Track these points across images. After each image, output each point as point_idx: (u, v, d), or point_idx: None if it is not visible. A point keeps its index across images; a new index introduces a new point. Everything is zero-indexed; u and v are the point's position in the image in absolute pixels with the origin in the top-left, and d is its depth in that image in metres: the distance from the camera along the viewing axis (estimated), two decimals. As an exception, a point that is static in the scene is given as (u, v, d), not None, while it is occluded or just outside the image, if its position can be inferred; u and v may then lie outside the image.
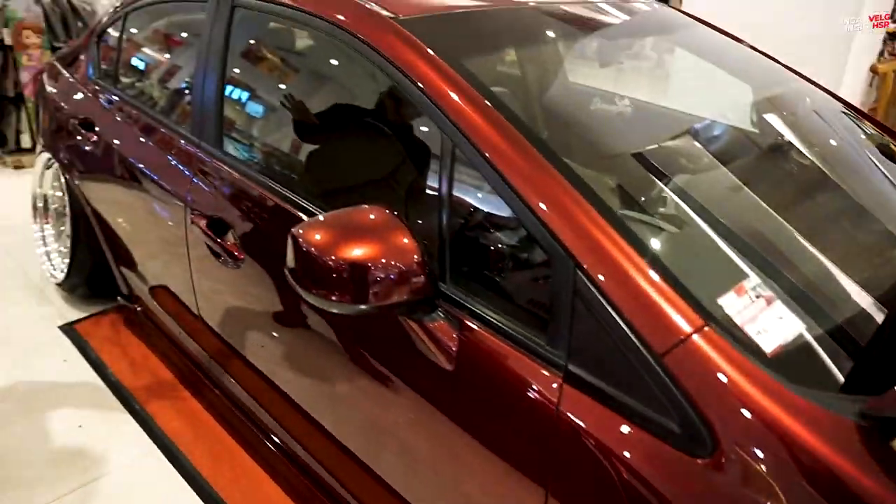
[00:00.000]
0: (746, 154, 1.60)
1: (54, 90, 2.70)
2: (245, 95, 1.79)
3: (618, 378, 0.98)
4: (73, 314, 2.69)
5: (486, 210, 1.22)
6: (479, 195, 1.22)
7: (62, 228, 2.80)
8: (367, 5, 1.43)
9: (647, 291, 0.97)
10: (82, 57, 2.63)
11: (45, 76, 2.87)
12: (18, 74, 4.20)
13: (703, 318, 0.96)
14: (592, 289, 0.99)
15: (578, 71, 1.66)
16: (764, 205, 1.32)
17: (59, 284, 2.75)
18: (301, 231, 1.10)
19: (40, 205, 2.86)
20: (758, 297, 1.04)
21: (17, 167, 4.30)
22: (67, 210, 2.56)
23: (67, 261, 2.66)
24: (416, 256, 1.09)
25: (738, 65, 1.89)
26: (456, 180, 1.20)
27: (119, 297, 2.60)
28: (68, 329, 2.59)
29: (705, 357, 0.92)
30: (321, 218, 1.13)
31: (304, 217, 1.44)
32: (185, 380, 2.29)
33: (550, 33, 1.60)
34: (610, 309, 0.98)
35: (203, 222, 1.70)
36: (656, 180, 1.27)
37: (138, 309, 2.49)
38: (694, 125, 1.57)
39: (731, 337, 0.95)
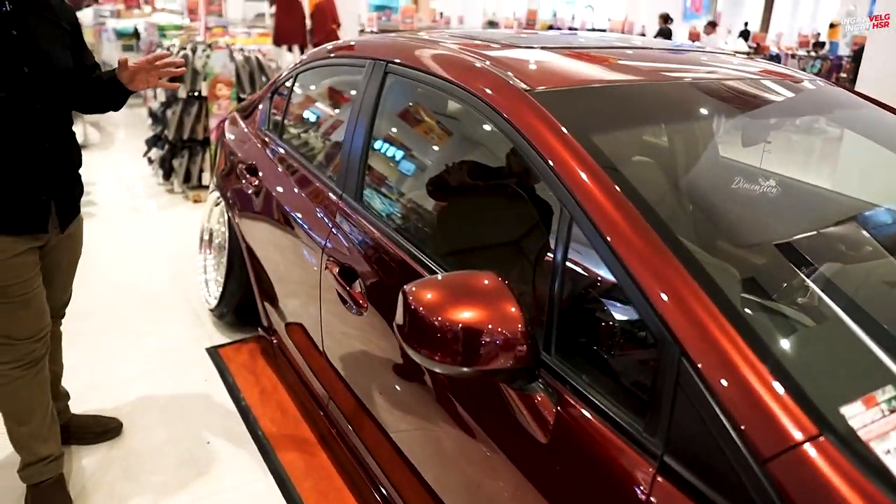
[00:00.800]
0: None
1: (231, 137, 3.04)
2: (387, 154, 1.92)
3: (715, 478, 0.91)
4: (220, 339, 2.95)
5: (597, 285, 1.21)
6: (592, 270, 1.21)
7: (222, 260, 3.11)
8: (505, 77, 1.50)
9: (756, 389, 0.91)
10: (258, 109, 2.95)
11: (226, 124, 3.25)
12: (208, 121, 4.77)
13: (818, 427, 0.88)
14: (696, 379, 0.95)
15: (721, 151, 1.61)
16: None
17: (211, 310, 3.03)
18: (412, 289, 1.15)
19: (206, 237, 3.19)
20: (892, 411, 0.94)
21: (196, 201, 4.85)
22: (227, 244, 2.84)
23: (220, 290, 2.94)
24: (520, 326, 1.10)
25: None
26: (571, 252, 1.20)
27: (259, 329, 2.81)
28: (213, 352, 2.84)
29: (816, 470, 0.84)
30: (432, 278, 1.18)
31: (426, 274, 1.50)
32: (306, 415, 2.41)
33: (692, 110, 1.57)
34: (713, 403, 0.92)
35: (336, 269, 1.82)
36: (787, 267, 1.19)
37: (274, 341, 2.68)
38: (852, 213, 1.46)
39: (850, 452, 0.86)
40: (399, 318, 1.17)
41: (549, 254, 1.30)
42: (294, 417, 2.43)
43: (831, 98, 1.83)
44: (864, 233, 1.40)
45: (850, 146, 1.74)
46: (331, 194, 2.01)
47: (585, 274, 1.22)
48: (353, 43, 2.32)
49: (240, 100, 4.82)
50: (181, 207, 4.82)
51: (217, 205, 3.09)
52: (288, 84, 2.69)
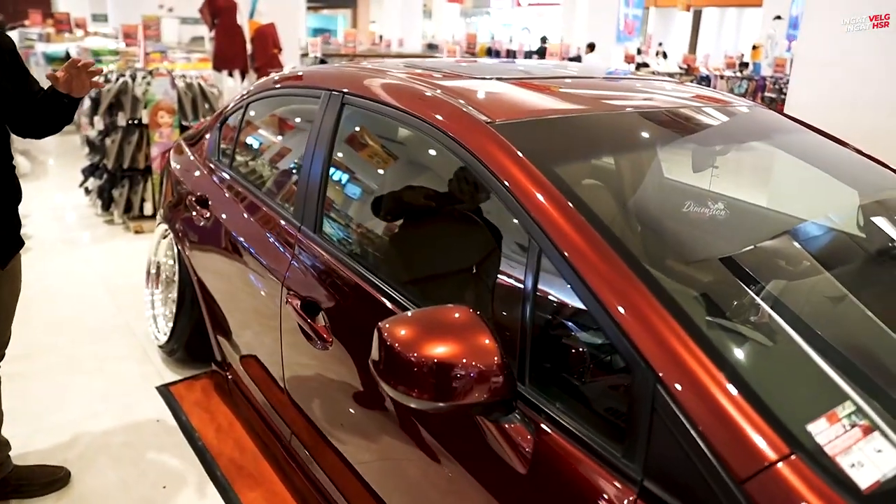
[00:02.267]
0: (849, 260, 1.54)
1: (178, 167, 2.97)
2: (346, 185, 1.91)
3: (695, 500, 0.94)
4: (170, 375, 2.85)
5: (567, 314, 1.23)
6: (562, 298, 1.23)
7: (170, 295, 3.01)
8: (464, 109, 1.52)
9: (729, 412, 0.95)
10: (206, 138, 2.90)
11: (172, 154, 3.18)
12: (150, 149, 4.65)
13: (789, 446, 0.91)
14: (672, 405, 0.97)
15: (671, 174, 1.67)
16: (871, 315, 1.26)
17: (161, 346, 2.93)
18: (387, 325, 1.14)
19: (153, 271, 3.09)
20: (853, 426, 0.99)
21: (138, 232, 4.70)
22: (177, 278, 2.76)
23: (171, 325, 2.85)
24: (496, 358, 1.11)
25: (843, 168, 1.84)
26: (540, 282, 1.22)
27: (213, 364, 2.74)
28: (164, 390, 2.74)
29: (791, 488, 0.88)
30: (407, 314, 1.18)
31: (392, 306, 1.50)
32: (265, 451, 2.35)
33: (641, 137, 1.63)
34: (689, 428, 0.95)
35: (297, 303, 1.80)
36: (746, 288, 1.24)
37: (229, 377, 2.61)
38: (793, 227, 1.53)
39: (820, 468, 0.90)
40: (374, 354, 1.16)
41: (515, 283, 1.32)
42: (252, 454, 2.37)
43: (766, 122, 1.93)
44: (796, 247, 1.47)
45: (784, 167, 1.83)
46: (288, 226, 1.99)
47: (555, 303, 1.25)
48: (307, 73, 2.31)
49: (182, 127, 4.72)
50: (121, 238, 4.66)
51: (165, 237, 3.01)
52: (238, 113, 2.65)
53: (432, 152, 1.75)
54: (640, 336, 1.04)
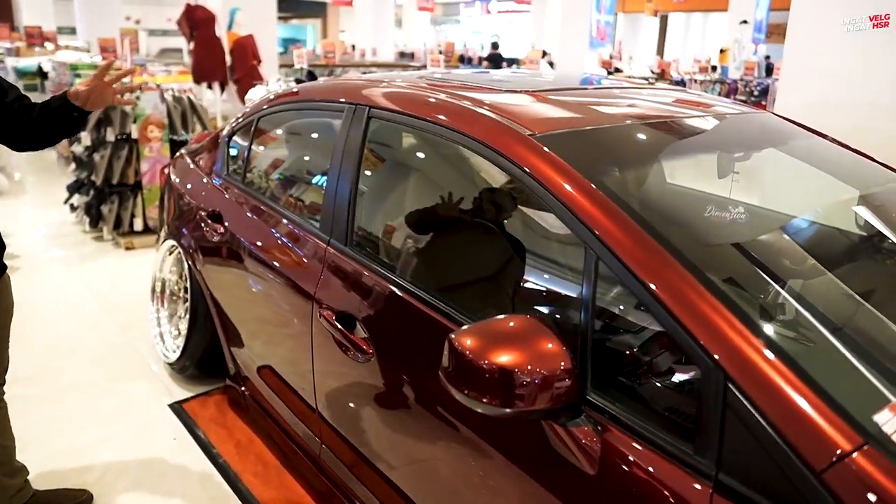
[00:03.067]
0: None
1: (182, 183, 2.96)
2: (378, 197, 1.93)
3: (772, 491, 0.99)
4: (181, 393, 2.83)
5: (628, 318, 1.28)
6: (621, 304, 1.27)
7: (177, 312, 2.99)
8: (503, 122, 1.56)
9: (801, 407, 0.99)
10: (211, 154, 2.89)
11: (173, 168, 3.16)
12: (139, 164, 4.60)
13: (861, 436, 0.96)
14: (744, 402, 1.02)
15: (712, 180, 1.73)
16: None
17: (170, 364, 2.91)
18: (456, 336, 1.18)
19: (159, 288, 3.07)
20: (913, 416, 1.04)
21: (129, 248, 4.64)
22: (189, 295, 2.75)
23: (180, 342, 2.82)
24: (563, 363, 1.15)
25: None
26: (599, 288, 1.26)
27: (227, 379, 2.72)
28: (177, 407, 2.72)
29: (868, 476, 0.93)
30: (475, 324, 1.21)
31: (436, 316, 1.52)
32: (289, 465, 2.35)
33: (677, 147, 1.69)
34: (763, 423, 1.00)
35: (331, 315, 1.81)
36: (799, 287, 1.30)
37: (245, 391, 2.60)
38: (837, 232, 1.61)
39: (892, 456, 0.95)
40: (444, 362, 1.19)
41: (573, 292, 1.36)
42: (276, 469, 2.36)
43: (779, 128, 2.01)
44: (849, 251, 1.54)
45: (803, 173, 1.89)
46: (316, 240, 2.00)
47: (615, 308, 1.29)
48: (325, 87, 2.33)
49: (172, 142, 4.68)
50: (112, 255, 4.60)
51: (171, 253, 2.99)
52: (248, 128, 2.65)
53: (468, 165, 1.79)
54: (708, 337, 1.08)
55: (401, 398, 1.63)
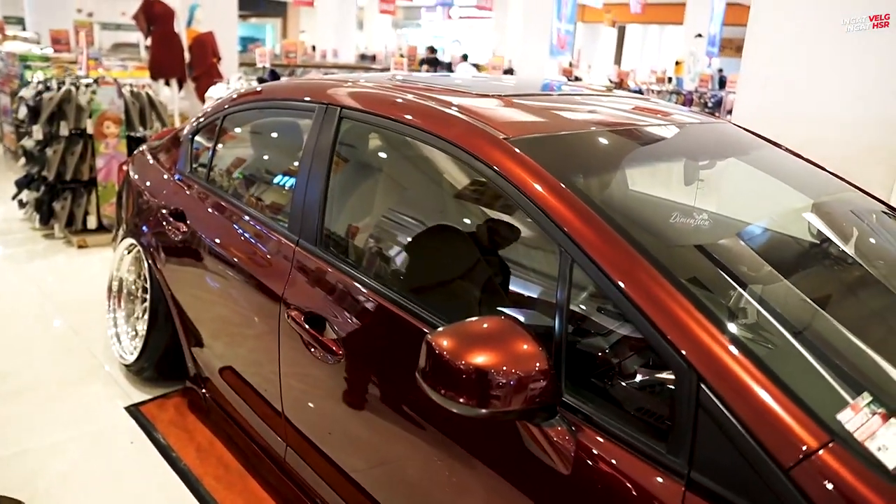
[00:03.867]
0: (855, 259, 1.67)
1: (142, 180, 2.88)
2: (349, 197, 1.92)
3: (743, 488, 1.02)
4: (139, 395, 2.75)
5: (601, 320, 1.30)
6: (594, 306, 1.30)
7: (135, 312, 2.91)
8: (478, 125, 1.57)
9: (770, 407, 1.03)
10: (173, 151, 2.83)
11: (132, 165, 3.08)
12: (94, 161, 4.46)
13: (827, 434, 1.00)
14: (718, 403, 1.05)
15: (682, 185, 1.77)
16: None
17: (127, 366, 2.82)
18: (433, 336, 1.18)
19: (115, 288, 2.98)
20: (874, 414, 1.09)
21: (82, 246, 4.50)
22: (148, 295, 2.68)
23: (138, 343, 2.75)
24: (538, 364, 1.16)
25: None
26: (573, 289, 1.28)
27: (187, 381, 2.66)
28: (134, 410, 2.65)
29: (835, 472, 0.96)
30: (452, 325, 1.22)
31: (407, 317, 1.52)
32: (252, 468, 2.31)
33: (646, 153, 1.73)
34: (736, 422, 1.03)
35: (299, 316, 1.79)
36: (767, 288, 1.35)
37: (206, 393, 2.54)
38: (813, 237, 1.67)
39: (854, 453, 0.99)
40: (422, 362, 1.19)
41: (546, 293, 1.37)
42: (239, 472, 2.32)
43: (739, 138, 2.07)
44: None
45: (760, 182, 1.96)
46: (284, 240, 1.97)
47: (587, 310, 1.31)
48: (294, 86, 2.30)
49: (129, 138, 4.56)
50: (64, 254, 4.45)
51: (129, 252, 2.91)
52: (213, 125, 2.60)
53: (441, 167, 1.79)
54: (681, 339, 1.11)
55: (371, 400, 1.62)
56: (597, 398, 1.23)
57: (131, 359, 2.79)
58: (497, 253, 1.65)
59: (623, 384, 1.28)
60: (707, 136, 2.00)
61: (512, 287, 1.60)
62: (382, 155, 2.04)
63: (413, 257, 1.77)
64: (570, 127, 1.69)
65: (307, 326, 1.76)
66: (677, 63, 16.43)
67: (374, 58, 17.41)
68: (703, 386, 1.07)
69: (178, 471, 2.31)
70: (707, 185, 1.80)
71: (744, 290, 1.36)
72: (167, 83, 7.81)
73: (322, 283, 1.80)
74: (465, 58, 11.66)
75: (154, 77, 7.39)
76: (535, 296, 1.47)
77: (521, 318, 1.32)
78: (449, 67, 13.02)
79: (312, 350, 1.75)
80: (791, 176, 1.98)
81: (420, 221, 1.84)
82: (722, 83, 12.95)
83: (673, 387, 1.11)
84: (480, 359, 1.15)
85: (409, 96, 1.83)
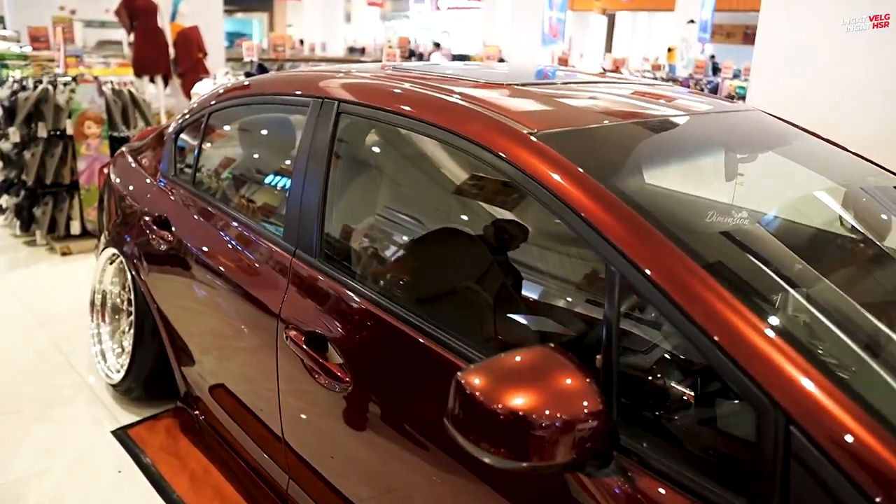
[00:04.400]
0: None
1: (124, 184, 2.68)
2: (352, 203, 1.73)
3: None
4: (126, 417, 2.56)
5: (661, 347, 1.11)
6: (652, 330, 1.11)
7: (120, 327, 2.71)
8: (498, 119, 1.38)
9: (880, 452, 0.85)
10: (155, 153, 2.62)
11: (113, 168, 2.87)
12: (76, 163, 4.24)
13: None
14: (814, 450, 0.87)
15: (718, 186, 1.58)
16: None
17: (113, 386, 2.62)
18: (463, 375, 1.00)
19: (98, 301, 2.78)
20: None
21: (65, 254, 4.28)
22: (133, 308, 2.48)
23: (125, 361, 2.55)
24: (587, 403, 0.97)
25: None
26: (623, 309, 1.10)
27: (178, 402, 2.47)
28: (122, 434, 2.45)
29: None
30: (486, 361, 1.03)
31: (425, 340, 1.34)
32: (251, 499, 2.12)
33: (686, 146, 1.54)
34: (840, 475, 0.85)
35: (298, 336, 1.60)
36: (857, 312, 1.16)
37: (199, 415, 2.35)
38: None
39: None
40: (451, 404, 1.00)
41: (590, 314, 1.19)
42: (236, 502, 2.13)
43: (775, 126, 1.88)
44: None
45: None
46: (279, 250, 1.78)
47: (644, 336, 1.12)
48: (284, 79, 2.11)
49: (112, 138, 4.34)
50: (47, 262, 4.23)
51: (112, 263, 2.70)
52: (197, 124, 2.40)
53: (455, 168, 1.60)
54: (765, 372, 0.92)
55: (386, 435, 1.43)
56: (659, 440, 1.05)
57: (118, 378, 2.59)
58: (535, 266, 1.46)
59: (691, 423, 1.09)
60: (742, 124, 1.81)
61: (555, 306, 1.41)
62: (387, 154, 1.84)
63: (427, 272, 1.58)
64: (599, 119, 1.50)
65: (308, 349, 1.57)
66: (669, 50, 16.22)
67: (363, 50, 17.13)
68: (793, 429, 0.89)
69: (170, 503, 2.12)
70: (755, 182, 1.61)
71: (835, 313, 1.17)
72: (152, 80, 7.56)
73: (323, 299, 1.61)
74: (437, 46, 11.34)
75: (138, 74, 7.13)
76: (582, 316, 1.28)
77: (566, 346, 1.14)
78: (420, 58, 12.76)
79: (315, 376, 1.56)
80: (837, 168, 1.80)
81: (432, 230, 1.65)
82: (715, 69, 12.78)
83: (754, 428, 0.93)
84: (518, 400, 0.96)
85: (412, 87, 1.64)
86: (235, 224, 2.00)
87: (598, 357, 1.09)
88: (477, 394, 0.97)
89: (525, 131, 1.32)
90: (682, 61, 15.85)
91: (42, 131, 4.12)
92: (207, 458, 2.32)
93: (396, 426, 1.41)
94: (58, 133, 4.19)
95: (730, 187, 1.56)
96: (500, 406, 0.96)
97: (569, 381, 1.00)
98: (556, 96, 1.69)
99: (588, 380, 0.99)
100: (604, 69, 12.54)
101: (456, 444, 1.02)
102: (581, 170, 1.20)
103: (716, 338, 0.96)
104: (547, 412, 0.96)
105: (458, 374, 1.00)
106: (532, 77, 2.08)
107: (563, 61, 10.17)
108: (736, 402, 0.98)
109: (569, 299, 1.40)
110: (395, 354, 1.43)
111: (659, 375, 1.13)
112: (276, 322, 1.70)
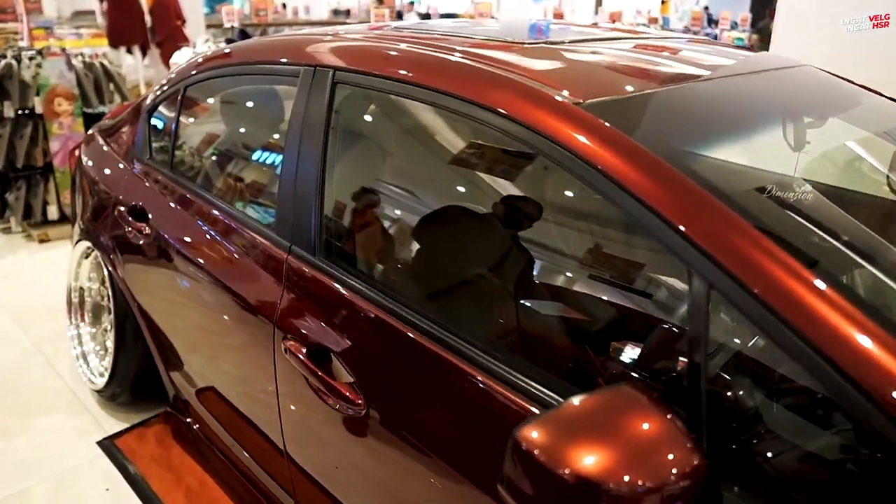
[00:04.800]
0: None
1: (96, 170, 2.41)
2: (352, 189, 1.48)
3: None
4: (114, 424, 2.34)
5: (766, 376, 0.89)
6: (753, 348, 0.88)
7: (101, 326, 2.48)
8: (534, 86, 1.12)
9: None
10: (128, 133, 2.35)
11: (84, 150, 2.60)
12: (48, 143, 3.95)
13: None
14: None
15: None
16: None
17: (98, 391, 2.40)
18: (520, 430, 0.77)
19: (76, 299, 2.54)
20: None
21: (43, 241, 4.02)
22: (112, 306, 2.24)
23: (108, 364, 2.32)
24: (675, 457, 0.75)
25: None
26: (712, 325, 0.87)
27: (168, 407, 2.26)
28: (108, 445, 2.24)
29: None
30: (549, 412, 0.80)
31: (455, 359, 1.11)
32: (252, 515, 1.92)
33: (756, 112, 1.29)
34: None
35: (299, 349, 1.37)
36: None
37: (193, 423, 2.13)
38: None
39: None
40: (507, 467, 0.78)
41: (670, 328, 0.96)
42: (237, 520, 1.93)
43: (833, 83, 1.63)
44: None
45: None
46: (273, 246, 1.54)
47: (742, 360, 0.90)
48: (269, 44, 1.83)
49: (86, 115, 4.03)
50: (24, 250, 3.97)
51: (87, 256, 2.45)
52: (173, 99, 2.13)
53: (483, 145, 1.35)
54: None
55: (406, 464, 1.21)
56: (765, 492, 0.83)
57: (101, 382, 2.36)
58: (594, 266, 1.23)
59: (808, 470, 0.87)
60: (800, 82, 1.56)
61: (619, 320, 1.18)
62: (394, 130, 1.59)
63: (452, 272, 1.34)
64: (648, 83, 1.25)
65: (311, 364, 1.34)
66: (663, 2, 15.75)
67: (348, 12, 16.52)
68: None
69: (163, 525, 1.92)
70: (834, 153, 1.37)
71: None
72: (129, 51, 7.17)
73: (326, 306, 1.38)
74: (412, 4, 10.76)
75: (114, 44, 6.74)
76: (653, 334, 1.05)
77: (643, 375, 0.91)
78: (400, 16, 12.20)
79: (323, 396, 1.33)
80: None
81: (451, 218, 1.40)
82: (710, 21, 12.40)
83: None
84: (589, 460, 0.74)
85: (420, 50, 1.38)
86: (219, 214, 1.75)
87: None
88: (537, 453, 0.75)
89: (569, 101, 1.07)
90: (677, 13, 15.40)
91: (9, 111, 3.82)
92: (204, 469, 2.11)
93: (419, 456, 1.19)
94: (26, 112, 3.89)
95: (811, 160, 1.31)
96: (566, 471, 0.73)
97: (651, 428, 0.78)
98: (584, 57, 1.43)
99: (678, 426, 0.77)
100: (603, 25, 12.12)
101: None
102: (650, 151, 0.96)
103: (851, 373, 0.73)
104: (626, 476, 0.73)
105: (515, 430, 0.77)
106: (546, 35, 1.81)
107: (559, 16, 9.78)
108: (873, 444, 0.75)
109: (658, 321, 1.16)
110: (414, 372, 1.20)
111: (763, 410, 0.91)
112: (271, 329, 1.47)
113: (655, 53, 1.56)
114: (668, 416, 0.78)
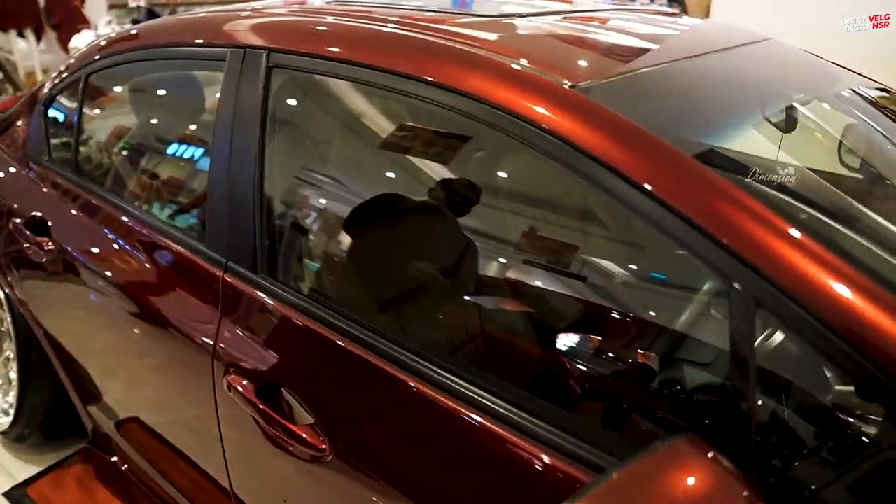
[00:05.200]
0: None
1: (-17, 173, 2.07)
2: (302, 192, 1.26)
3: None
4: (22, 470, 2.03)
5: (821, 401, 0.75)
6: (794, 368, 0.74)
7: (3, 356, 2.16)
8: (519, 67, 0.94)
9: None
10: (21, 129, 2.03)
11: (-33, 154, 2.24)
12: (-74, 144, 3.48)
13: None
14: None
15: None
16: None
17: (2, 433, 2.08)
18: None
19: (-31, 326, 2.19)
20: None
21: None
22: (12, 332, 1.94)
23: (12, 399, 2.01)
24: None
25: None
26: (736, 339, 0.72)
27: (87, 444, 1.98)
28: (19, 496, 1.93)
29: None
30: (596, 482, 0.63)
31: (429, 390, 0.93)
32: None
33: (756, 93, 1.15)
34: None
35: (249, 387, 1.15)
36: None
37: (116, 460, 1.87)
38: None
39: None
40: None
41: (691, 346, 0.81)
42: (177, 571, 1.69)
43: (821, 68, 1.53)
44: None
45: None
46: (205, 262, 1.30)
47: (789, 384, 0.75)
48: (186, 23, 1.57)
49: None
50: None
51: (-22, 276, 2.12)
52: (73, 90, 1.83)
53: (456, 137, 1.16)
54: None
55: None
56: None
57: (6, 422, 2.05)
58: (597, 276, 1.06)
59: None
60: (771, 58, 1.45)
61: (636, 343, 1.02)
62: (345, 121, 1.37)
63: (423, 283, 1.16)
64: (639, 60, 1.09)
65: (261, 405, 1.13)
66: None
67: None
68: None
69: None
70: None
71: None
72: (21, 34, 6.53)
73: (276, 333, 1.16)
74: None
75: (2, 27, 6.12)
76: (679, 359, 0.90)
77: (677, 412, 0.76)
78: None
79: (279, 441, 1.12)
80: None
81: (420, 220, 1.21)
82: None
83: None
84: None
85: (372, 26, 1.17)
86: (134, 224, 1.49)
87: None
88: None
89: (564, 83, 0.89)
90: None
91: None
92: (134, 513, 1.85)
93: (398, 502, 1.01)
94: None
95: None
96: None
97: (717, 493, 0.62)
98: (557, 30, 1.26)
99: (748, 493, 0.62)
100: None
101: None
102: (668, 142, 0.79)
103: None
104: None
105: None
106: (503, 7, 1.63)
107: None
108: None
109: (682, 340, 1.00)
110: (385, 407, 1.02)
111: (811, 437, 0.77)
112: (209, 362, 1.24)
113: (618, 27, 1.40)
114: (740, 480, 0.62)
